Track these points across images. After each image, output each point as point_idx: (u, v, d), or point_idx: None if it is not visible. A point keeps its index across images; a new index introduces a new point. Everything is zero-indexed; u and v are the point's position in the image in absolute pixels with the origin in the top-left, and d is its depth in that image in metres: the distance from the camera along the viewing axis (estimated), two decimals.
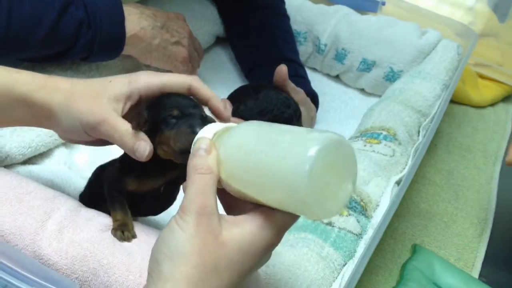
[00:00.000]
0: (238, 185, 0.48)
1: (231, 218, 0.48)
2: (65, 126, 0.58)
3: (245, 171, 0.47)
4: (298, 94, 0.92)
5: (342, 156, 0.45)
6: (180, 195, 0.61)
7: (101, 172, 0.66)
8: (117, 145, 0.56)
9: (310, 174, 0.42)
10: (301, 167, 0.42)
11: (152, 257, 0.46)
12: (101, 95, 0.57)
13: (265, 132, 0.48)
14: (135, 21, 0.84)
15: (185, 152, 0.52)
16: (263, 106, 0.87)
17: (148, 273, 0.46)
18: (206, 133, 0.51)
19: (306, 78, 1.05)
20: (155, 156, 0.56)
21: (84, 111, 0.56)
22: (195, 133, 0.52)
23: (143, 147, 0.55)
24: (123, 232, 0.58)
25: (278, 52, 1.05)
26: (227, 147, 0.49)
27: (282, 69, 0.89)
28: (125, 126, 0.56)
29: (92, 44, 0.81)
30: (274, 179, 0.45)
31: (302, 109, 0.92)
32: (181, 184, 0.58)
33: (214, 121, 0.56)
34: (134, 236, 0.58)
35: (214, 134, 0.51)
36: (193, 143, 0.51)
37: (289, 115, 0.87)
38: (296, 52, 1.10)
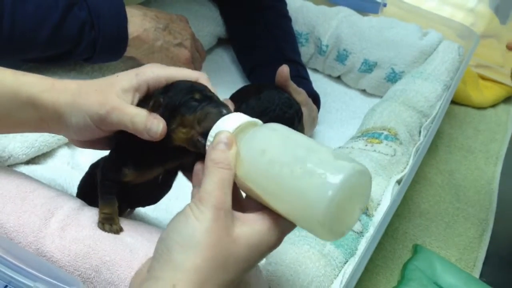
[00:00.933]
0: (254, 187, 0.49)
1: (241, 215, 0.48)
2: (74, 125, 0.57)
3: (265, 178, 0.48)
4: (299, 94, 0.92)
5: (361, 186, 0.47)
6: (177, 183, 0.62)
7: (93, 170, 0.65)
8: (129, 130, 0.55)
9: (332, 200, 0.44)
10: (324, 192, 0.44)
11: (162, 243, 0.47)
12: (109, 89, 0.57)
13: (292, 145, 0.48)
14: (138, 22, 0.85)
15: (207, 135, 0.51)
16: (265, 106, 0.87)
17: (154, 258, 0.47)
18: (228, 125, 0.50)
19: (308, 78, 1.05)
20: (156, 144, 0.55)
21: (93, 104, 0.55)
22: (222, 113, 0.52)
23: (156, 124, 0.53)
24: (111, 225, 0.57)
25: (280, 52, 1.06)
26: (250, 148, 0.49)
27: (284, 70, 0.89)
28: (136, 110, 0.55)
29: (95, 45, 0.81)
30: (294, 196, 0.46)
31: (304, 109, 0.92)
32: (186, 174, 0.58)
33: (231, 110, 0.54)
34: (121, 229, 0.58)
35: (238, 127, 0.50)
36: (215, 131, 0.50)
37: (291, 115, 0.87)
38: (297, 53, 1.11)
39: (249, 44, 1.11)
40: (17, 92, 0.57)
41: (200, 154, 0.53)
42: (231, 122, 0.50)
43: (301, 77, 1.02)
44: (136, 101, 0.57)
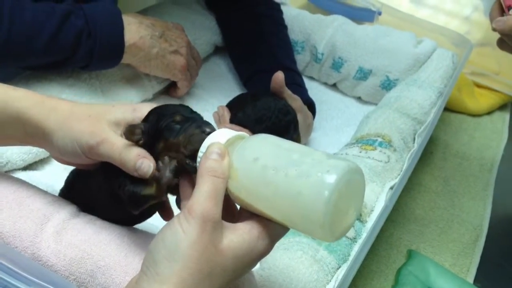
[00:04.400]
0: (249, 197, 0.49)
1: (230, 225, 0.48)
2: (61, 147, 0.56)
3: (260, 185, 0.48)
4: (295, 101, 0.93)
5: (356, 184, 0.47)
6: None
7: (73, 176, 0.65)
8: (117, 164, 0.54)
9: (329, 200, 0.44)
10: (321, 191, 0.44)
11: (149, 255, 0.47)
12: (102, 117, 0.56)
13: (284, 150, 0.49)
14: (134, 30, 0.86)
15: (195, 158, 0.51)
16: (261, 113, 0.88)
17: (142, 270, 0.47)
18: (219, 138, 0.50)
19: (303, 86, 1.06)
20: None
21: (84, 132, 0.54)
22: (205, 132, 0.51)
23: (147, 165, 0.52)
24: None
25: (275, 60, 1.07)
26: (242, 157, 0.49)
27: (279, 76, 0.90)
28: (125, 146, 0.54)
29: (92, 53, 0.82)
30: (291, 198, 0.46)
31: (299, 116, 0.93)
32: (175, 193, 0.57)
33: (214, 128, 0.53)
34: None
35: (227, 141, 0.50)
36: (205, 147, 0.50)
37: (287, 122, 0.88)
38: (293, 61, 1.12)
39: (245, 52, 1.12)
40: (5, 106, 0.56)
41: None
42: (220, 136, 0.51)
43: (296, 84, 1.03)
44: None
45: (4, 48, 0.75)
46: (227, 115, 0.91)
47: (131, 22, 0.86)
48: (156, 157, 0.54)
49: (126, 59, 0.87)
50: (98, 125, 0.55)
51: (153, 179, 0.53)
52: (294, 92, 0.94)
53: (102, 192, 0.60)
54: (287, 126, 0.88)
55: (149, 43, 0.88)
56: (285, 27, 1.15)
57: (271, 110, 0.87)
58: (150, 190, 0.53)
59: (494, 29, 0.86)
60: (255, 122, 0.87)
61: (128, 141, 0.54)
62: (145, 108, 0.56)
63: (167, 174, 0.52)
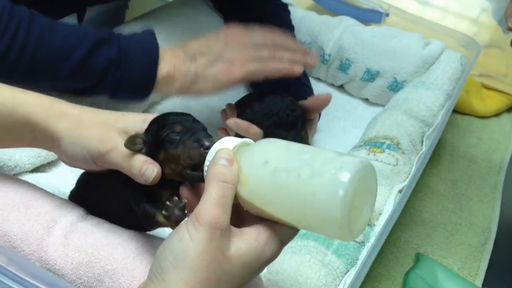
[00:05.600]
0: (260, 202, 0.48)
1: (238, 231, 0.48)
2: (70, 152, 0.56)
3: (272, 188, 0.47)
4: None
5: (369, 180, 0.47)
6: None
7: (86, 177, 0.65)
8: (125, 172, 0.55)
9: (344, 198, 0.43)
10: (336, 192, 0.43)
11: (156, 262, 0.46)
12: (111, 125, 0.56)
13: (294, 151, 0.48)
14: (168, 62, 0.80)
15: (195, 168, 0.51)
16: (268, 109, 0.88)
17: (149, 277, 0.47)
18: (226, 145, 0.50)
19: (309, 86, 1.06)
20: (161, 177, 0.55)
21: (94, 139, 0.55)
22: (204, 146, 0.51)
23: (151, 169, 0.53)
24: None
25: None
26: (251, 162, 0.48)
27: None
28: (132, 153, 0.54)
29: (119, 85, 0.78)
30: (305, 199, 0.45)
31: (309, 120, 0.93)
32: None
33: (213, 141, 0.53)
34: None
35: (234, 147, 0.50)
36: (212, 154, 0.50)
37: (295, 117, 0.88)
38: None
39: None
40: (13, 110, 0.56)
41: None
42: (228, 142, 0.50)
43: (302, 84, 1.03)
44: None
45: (26, 69, 0.72)
46: (234, 112, 0.90)
47: (165, 55, 0.80)
48: (160, 165, 0.54)
49: (162, 92, 0.82)
50: (108, 133, 0.55)
51: (163, 217, 0.53)
52: (298, 91, 0.94)
53: (116, 199, 0.60)
54: (295, 122, 0.88)
55: (184, 69, 0.81)
56: (292, 28, 1.15)
57: (279, 105, 0.88)
58: (162, 219, 0.54)
59: (510, 28, 0.85)
60: (263, 117, 0.87)
61: (129, 150, 0.54)
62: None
63: (176, 212, 0.52)
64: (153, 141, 0.54)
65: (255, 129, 0.85)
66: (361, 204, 0.46)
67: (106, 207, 0.62)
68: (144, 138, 0.55)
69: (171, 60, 0.80)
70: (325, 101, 0.91)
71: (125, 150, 0.54)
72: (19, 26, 0.71)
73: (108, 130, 0.55)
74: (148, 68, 0.78)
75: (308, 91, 1.03)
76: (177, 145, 0.53)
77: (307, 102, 0.91)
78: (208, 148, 0.51)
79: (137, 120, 0.57)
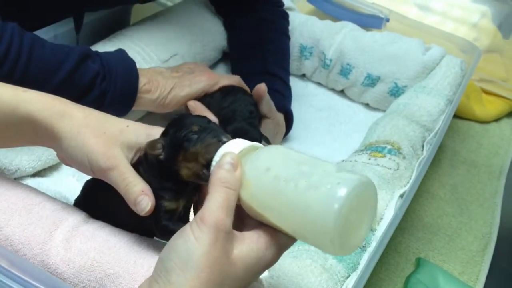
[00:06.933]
0: (260, 207, 0.49)
1: (239, 234, 0.48)
2: (70, 154, 0.56)
3: (270, 195, 0.48)
4: (267, 105, 0.94)
5: (367, 198, 0.47)
6: None
7: (92, 184, 0.66)
8: (120, 192, 0.55)
9: (339, 213, 0.44)
10: (331, 204, 0.44)
11: (161, 263, 0.47)
12: (116, 139, 0.56)
13: (295, 161, 0.49)
14: (148, 76, 0.86)
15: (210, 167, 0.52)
16: (228, 101, 0.91)
17: (153, 278, 0.47)
18: (232, 148, 0.51)
19: (285, 94, 1.06)
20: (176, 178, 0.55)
21: (97, 152, 0.55)
22: (222, 141, 0.52)
23: (146, 202, 0.54)
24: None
25: (263, 65, 1.07)
26: (255, 168, 0.49)
27: (262, 88, 0.92)
28: (133, 177, 0.55)
29: (105, 95, 0.81)
30: (300, 210, 0.46)
31: (268, 121, 0.95)
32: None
33: (230, 137, 0.54)
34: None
35: (241, 151, 0.51)
36: (219, 156, 0.51)
37: (249, 112, 0.91)
38: (283, 68, 1.10)
39: (239, 55, 1.12)
40: (15, 108, 0.56)
41: None
42: (234, 146, 0.51)
43: (274, 90, 1.02)
44: (135, 158, 0.58)
45: (21, 80, 0.73)
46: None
47: (140, 70, 0.86)
48: (177, 168, 0.55)
49: (143, 105, 0.86)
50: (112, 148, 0.55)
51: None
52: (271, 98, 0.96)
53: (125, 209, 0.59)
54: (250, 115, 0.91)
55: (163, 80, 0.87)
56: (287, 37, 1.15)
57: (239, 99, 0.91)
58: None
59: None
60: (219, 106, 0.91)
61: (152, 153, 0.55)
62: (159, 133, 0.57)
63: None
64: (171, 143, 0.55)
65: (211, 116, 0.88)
66: (359, 221, 0.47)
67: (114, 208, 0.61)
68: (163, 143, 0.56)
69: (146, 74, 0.86)
70: (260, 91, 0.93)
71: (126, 172, 0.55)
72: (12, 40, 0.72)
73: (112, 144, 0.55)
74: (130, 80, 0.83)
75: (281, 98, 1.03)
76: (196, 143, 0.54)
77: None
78: (225, 142, 0.52)
79: (141, 133, 0.58)
